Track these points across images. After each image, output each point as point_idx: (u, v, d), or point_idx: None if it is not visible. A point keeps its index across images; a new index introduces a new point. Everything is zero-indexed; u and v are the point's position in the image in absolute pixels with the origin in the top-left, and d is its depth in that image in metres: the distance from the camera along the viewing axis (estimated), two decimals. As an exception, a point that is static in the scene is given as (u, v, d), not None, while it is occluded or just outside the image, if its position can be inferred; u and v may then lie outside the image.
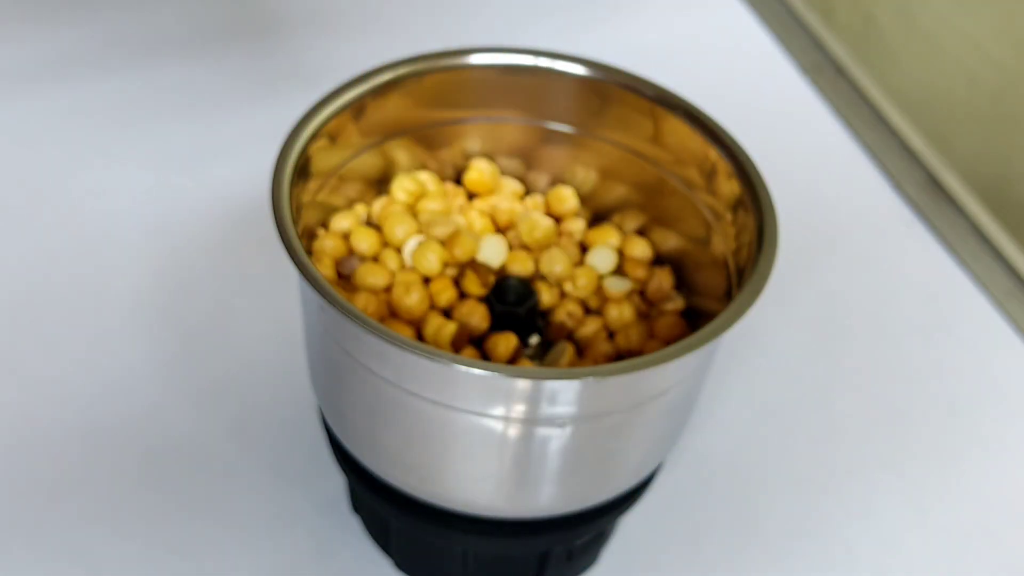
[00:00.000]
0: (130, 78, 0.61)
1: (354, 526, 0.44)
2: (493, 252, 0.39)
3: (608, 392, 0.33)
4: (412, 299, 0.37)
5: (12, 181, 0.55)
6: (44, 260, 0.51)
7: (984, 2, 0.62)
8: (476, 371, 0.31)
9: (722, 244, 0.39)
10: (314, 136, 0.37)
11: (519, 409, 0.33)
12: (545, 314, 0.39)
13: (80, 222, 0.53)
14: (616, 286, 0.40)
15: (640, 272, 0.41)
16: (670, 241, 0.41)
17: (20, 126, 0.57)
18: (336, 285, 0.39)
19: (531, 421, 0.33)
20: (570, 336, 0.39)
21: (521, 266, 0.40)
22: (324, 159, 0.38)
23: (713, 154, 0.39)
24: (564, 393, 0.33)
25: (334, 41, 0.64)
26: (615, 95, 0.41)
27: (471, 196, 0.43)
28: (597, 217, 0.43)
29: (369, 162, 0.40)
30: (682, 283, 0.41)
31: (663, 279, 0.40)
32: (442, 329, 0.37)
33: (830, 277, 0.55)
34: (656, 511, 0.44)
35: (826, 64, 0.66)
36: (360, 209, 0.41)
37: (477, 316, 0.38)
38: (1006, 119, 0.62)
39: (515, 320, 0.38)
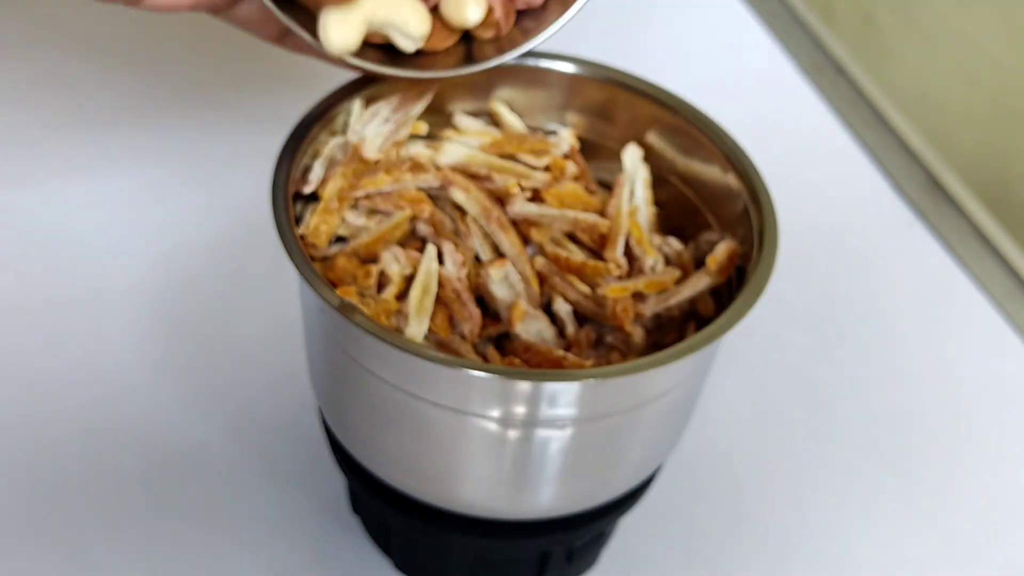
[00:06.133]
0: (133, 81, 0.61)
1: (354, 526, 0.44)
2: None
3: (608, 394, 0.33)
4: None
5: (14, 183, 0.55)
6: (46, 263, 0.51)
7: (984, 2, 0.62)
8: (477, 374, 0.31)
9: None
10: (318, 133, 0.37)
11: (519, 411, 0.33)
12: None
13: (83, 225, 0.53)
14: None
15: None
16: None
17: (23, 130, 0.57)
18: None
19: (531, 422, 0.33)
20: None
21: None
22: None
23: (713, 154, 0.39)
24: (564, 395, 0.33)
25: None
26: (614, 95, 0.41)
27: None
28: None
29: None
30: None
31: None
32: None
33: (830, 277, 0.55)
34: (656, 512, 0.44)
35: (826, 64, 0.66)
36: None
37: None
38: (1005, 119, 0.62)
39: None
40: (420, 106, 0.39)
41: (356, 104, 0.39)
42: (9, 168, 0.55)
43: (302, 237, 0.37)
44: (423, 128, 0.40)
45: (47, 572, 0.41)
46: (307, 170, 0.37)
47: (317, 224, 0.37)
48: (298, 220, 0.37)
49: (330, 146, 0.38)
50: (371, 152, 0.38)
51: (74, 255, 0.51)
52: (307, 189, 0.37)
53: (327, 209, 0.37)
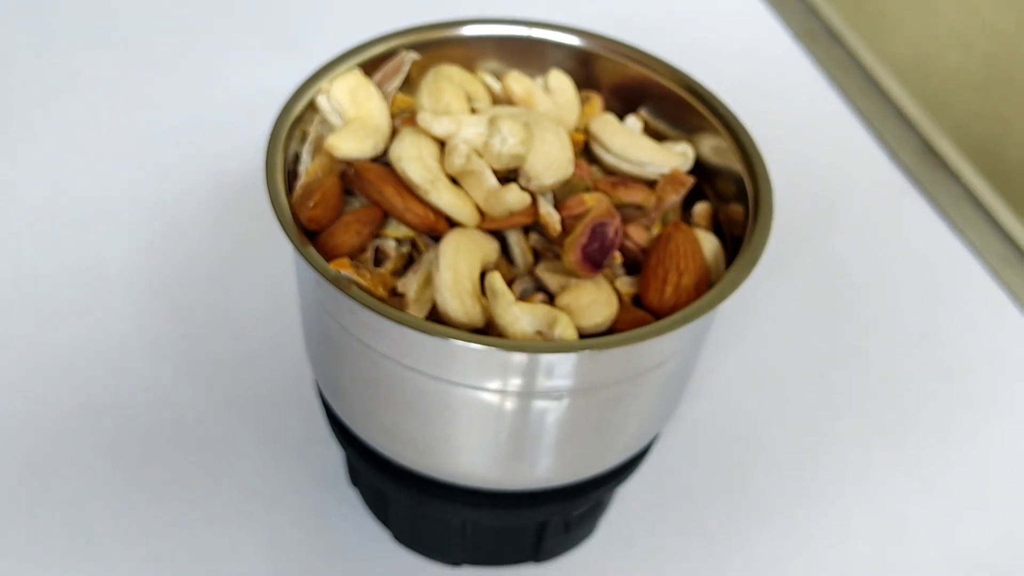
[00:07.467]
0: (119, 52, 0.60)
1: (352, 499, 0.44)
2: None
3: (605, 364, 0.33)
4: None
5: (4, 161, 0.54)
6: (39, 239, 0.51)
7: (978, -34, 0.62)
8: (473, 345, 0.31)
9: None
10: (308, 109, 0.37)
11: (516, 382, 0.33)
12: None
13: (73, 200, 0.53)
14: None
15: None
16: None
17: (11, 105, 0.57)
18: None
19: (528, 394, 0.33)
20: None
21: None
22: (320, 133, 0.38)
23: (707, 122, 0.39)
24: (561, 366, 0.33)
25: (327, 10, 0.63)
26: (608, 65, 0.41)
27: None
28: None
29: None
30: None
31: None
32: None
33: (825, 244, 0.55)
34: (653, 481, 0.45)
35: (820, 30, 0.66)
36: None
37: None
38: (1000, 84, 0.62)
39: None
40: (398, 80, 0.39)
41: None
42: (2, 145, 0.55)
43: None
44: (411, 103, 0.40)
45: (45, 546, 0.41)
46: (296, 159, 0.37)
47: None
48: (292, 178, 0.37)
49: (314, 125, 0.38)
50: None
51: (69, 231, 0.51)
52: (298, 183, 0.37)
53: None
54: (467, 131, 0.36)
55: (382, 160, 0.37)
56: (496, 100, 0.40)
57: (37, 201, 0.52)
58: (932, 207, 0.57)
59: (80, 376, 0.46)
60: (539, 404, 0.34)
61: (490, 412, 0.34)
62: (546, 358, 0.32)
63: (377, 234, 0.36)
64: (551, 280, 0.35)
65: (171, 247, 0.51)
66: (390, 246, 0.36)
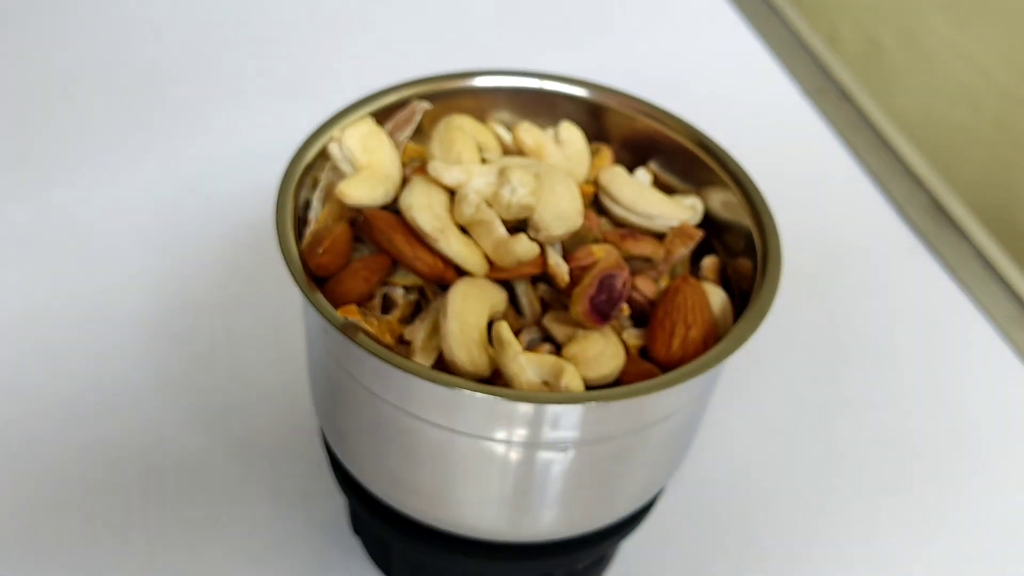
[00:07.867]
0: (133, 98, 0.61)
1: (355, 547, 0.43)
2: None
3: (611, 416, 0.33)
4: None
5: (16, 200, 0.55)
6: (48, 279, 0.51)
7: (988, 27, 0.62)
8: (478, 395, 0.31)
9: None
10: (319, 157, 0.37)
11: (521, 433, 0.33)
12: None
13: (84, 241, 0.53)
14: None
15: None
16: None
17: (26, 148, 0.58)
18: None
19: (533, 445, 0.33)
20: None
21: None
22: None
23: (716, 176, 0.39)
24: (566, 417, 0.33)
25: (340, 58, 0.64)
26: (618, 118, 0.41)
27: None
28: None
29: None
30: None
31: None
32: None
33: (833, 301, 0.55)
34: (657, 535, 0.44)
35: (830, 88, 0.66)
36: None
37: None
38: (1009, 144, 0.62)
39: None
40: (409, 129, 0.39)
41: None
42: (11, 182, 0.55)
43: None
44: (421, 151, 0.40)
45: (45, 590, 0.41)
46: (307, 205, 0.37)
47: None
48: (302, 225, 0.37)
49: (325, 172, 0.38)
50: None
51: (76, 272, 0.51)
52: (308, 229, 0.37)
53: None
54: (477, 181, 0.36)
55: (392, 208, 0.37)
56: (507, 151, 0.40)
57: (49, 243, 0.53)
58: (940, 265, 0.57)
59: (83, 418, 0.46)
60: (544, 455, 0.34)
61: (494, 462, 0.34)
62: (552, 409, 0.32)
63: (385, 281, 0.36)
64: (558, 331, 0.35)
65: (179, 292, 0.51)
66: (398, 294, 0.36)
